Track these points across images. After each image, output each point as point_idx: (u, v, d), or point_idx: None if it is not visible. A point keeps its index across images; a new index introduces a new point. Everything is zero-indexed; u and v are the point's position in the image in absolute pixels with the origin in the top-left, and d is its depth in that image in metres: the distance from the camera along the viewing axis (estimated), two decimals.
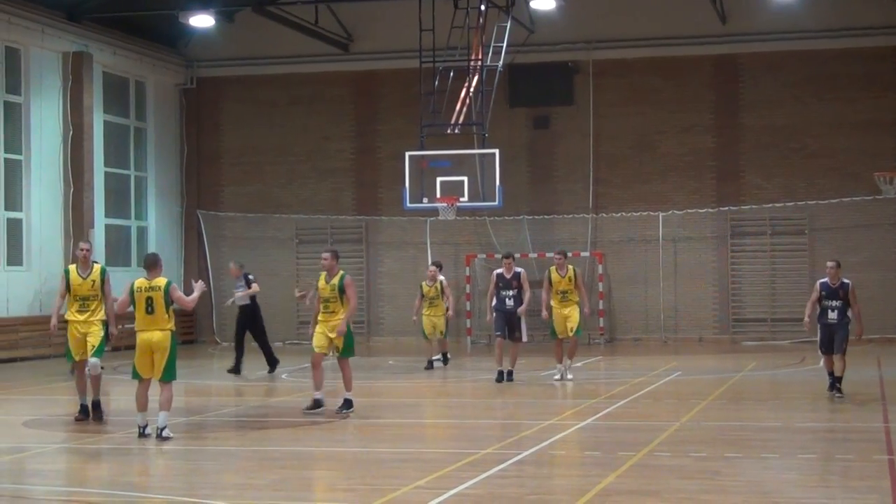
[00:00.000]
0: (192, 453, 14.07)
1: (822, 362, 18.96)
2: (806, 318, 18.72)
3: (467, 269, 33.04)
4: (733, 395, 19.77)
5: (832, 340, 18.49)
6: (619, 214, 33.12)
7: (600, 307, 32.13)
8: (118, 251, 33.04)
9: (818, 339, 18.88)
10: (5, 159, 29.10)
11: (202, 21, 31.38)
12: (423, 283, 24.83)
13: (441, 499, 11.00)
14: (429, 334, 24.69)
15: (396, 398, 20.87)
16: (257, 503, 11.24)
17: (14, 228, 29.38)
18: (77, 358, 16.39)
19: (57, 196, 30.31)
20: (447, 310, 24.88)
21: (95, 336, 16.26)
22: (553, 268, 21.26)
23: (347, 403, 17.15)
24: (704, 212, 32.79)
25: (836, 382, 18.58)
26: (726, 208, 32.62)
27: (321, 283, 17.03)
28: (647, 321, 33.04)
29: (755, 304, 32.64)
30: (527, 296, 21.31)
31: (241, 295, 24.07)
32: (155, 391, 15.10)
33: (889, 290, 31.16)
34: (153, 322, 14.91)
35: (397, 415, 18.56)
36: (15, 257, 29.24)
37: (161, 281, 15.00)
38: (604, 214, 33.25)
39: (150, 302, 14.88)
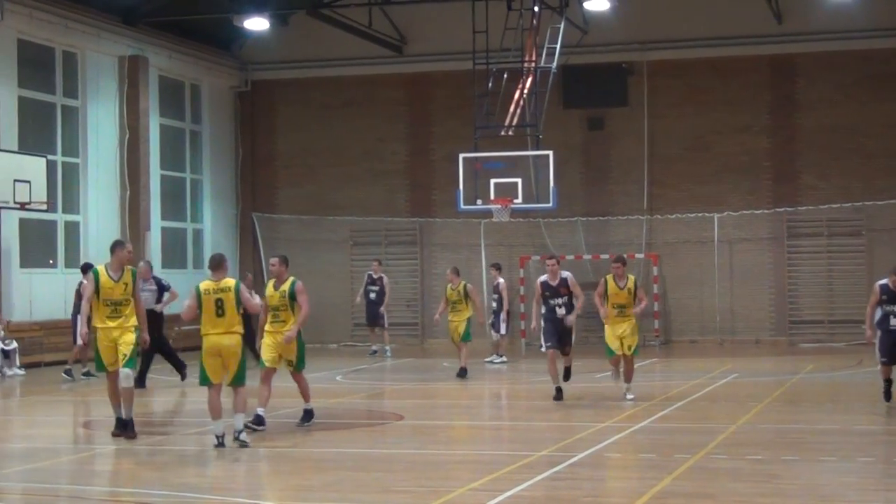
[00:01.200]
0: (247, 455, 14.09)
1: (879, 368, 18.06)
2: (868, 331, 17.70)
3: (521, 270, 32.92)
4: (790, 397, 19.62)
5: (894, 349, 17.44)
6: (674, 216, 32.94)
7: (655, 309, 31.98)
8: (174, 253, 33.26)
9: (877, 345, 17.72)
10: (63, 163, 29.36)
11: (256, 24, 31.62)
12: (448, 286, 24.21)
13: (496, 500, 10.99)
14: (453, 339, 24.19)
15: (451, 400, 20.90)
16: None
17: (71, 231, 29.62)
18: (110, 368, 15.18)
19: (114, 199, 30.55)
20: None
21: (127, 344, 15.06)
22: (610, 277, 18.66)
23: (308, 415, 16.28)
24: (760, 213, 32.55)
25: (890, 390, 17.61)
26: (782, 209, 32.36)
27: (269, 290, 15.98)
28: (703, 323, 32.83)
29: (812, 306, 32.36)
30: (579, 301, 18.99)
31: (164, 302, 22.31)
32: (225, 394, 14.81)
33: None
34: (223, 325, 14.48)
35: (452, 417, 18.58)
36: (73, 260, 29.44)
37: (230, 282, 14.62)
38: (659, 216, 33.09)
39: (220, 304, 14.44)
